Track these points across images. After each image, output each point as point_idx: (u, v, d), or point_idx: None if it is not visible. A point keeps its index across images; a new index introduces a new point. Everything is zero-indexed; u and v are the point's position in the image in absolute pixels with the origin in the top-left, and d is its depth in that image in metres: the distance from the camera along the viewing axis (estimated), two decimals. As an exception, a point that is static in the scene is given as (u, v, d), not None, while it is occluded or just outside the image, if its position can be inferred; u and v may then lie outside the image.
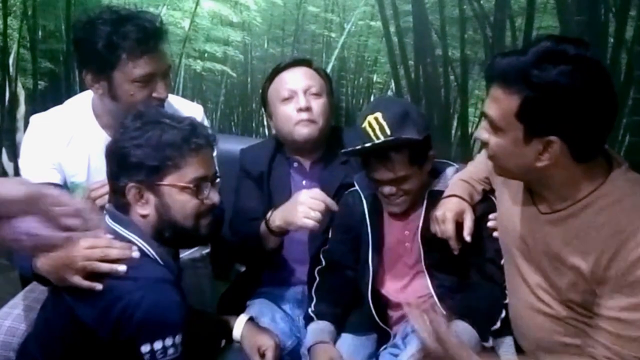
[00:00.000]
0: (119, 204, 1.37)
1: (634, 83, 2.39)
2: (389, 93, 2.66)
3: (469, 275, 1.76)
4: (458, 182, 1.74)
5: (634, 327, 1.19)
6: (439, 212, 1.68)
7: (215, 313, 1.95)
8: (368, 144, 1.66)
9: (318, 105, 1.90)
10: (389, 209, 1.80)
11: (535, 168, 1.25)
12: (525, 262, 1.45)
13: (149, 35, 1.63)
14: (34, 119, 1.87)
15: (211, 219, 1.42)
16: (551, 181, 1.31)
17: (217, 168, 1.49)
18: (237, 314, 1.80)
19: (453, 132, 2.62)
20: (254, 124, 2.87)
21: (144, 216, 1.36)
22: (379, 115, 1.66)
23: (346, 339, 1.81)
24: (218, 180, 1.47)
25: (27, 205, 0.89)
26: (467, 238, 1.61)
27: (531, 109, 1.17)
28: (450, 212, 1.63)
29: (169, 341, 1.25)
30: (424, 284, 1.80)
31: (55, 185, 1.72)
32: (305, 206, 1.66)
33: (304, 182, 2.01)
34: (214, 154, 1.47)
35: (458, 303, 1.71)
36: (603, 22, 2.35)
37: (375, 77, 2.68)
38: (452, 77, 2.58)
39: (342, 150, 1.79)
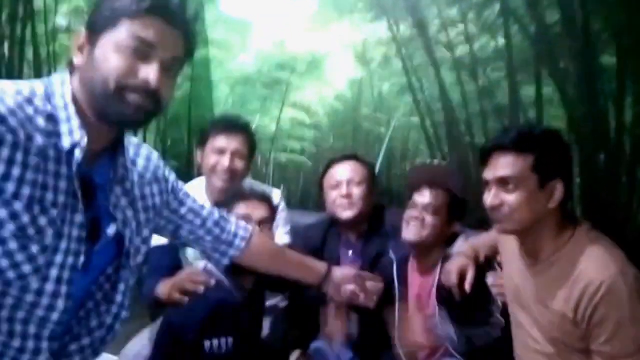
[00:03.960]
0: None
1: (638, 161, 2.68)
2: (429, 175, 3.20)
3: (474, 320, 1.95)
4: (466, 245, 2.08)
5: (614, 357, 1.42)
6: (447, 266, 1.94)
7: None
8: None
9: (358, 191, 2.24)
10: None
11: (547, 211, 1.51)
12: (521, 308, 1.65)
13: None
14: None
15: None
16: (544, 229, 1.53)
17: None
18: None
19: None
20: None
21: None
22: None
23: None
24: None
25: None
26: (467, 287, 1.83)
27: (543, 160, 1.50)
28: (455, 266, 1.88)
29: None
30: (442, 329, 2.03)
31: (170, 245, 2.11)
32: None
33: (349, 253, 2.27)
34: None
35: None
36: (604, 109, 2.72)
37: (418, 162, 3.25)
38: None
39: None
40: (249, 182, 2.37)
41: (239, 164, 2.25)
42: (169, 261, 2.17)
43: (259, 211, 1.91)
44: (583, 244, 1.51)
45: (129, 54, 1.03)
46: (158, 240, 2.26)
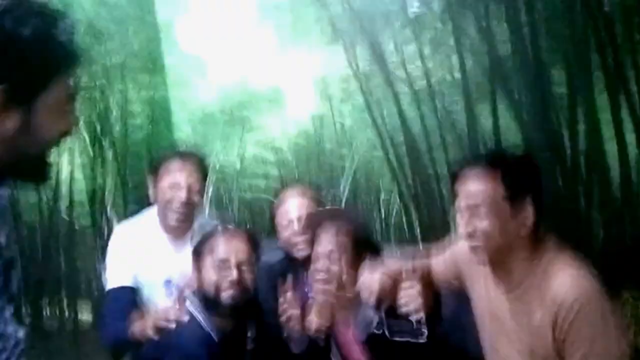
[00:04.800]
0: None
1: (595, 184, 2.80)
2: (395, 207, 3.24)
3: None
4: (395, 265, 2.09)
5: None
6: (367, 280, 2.05)
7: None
8: None
9: None
10: None
11: (519, 237, 1.70)
12: (500, 334, 1.84)
13: None
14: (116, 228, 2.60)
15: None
16: (517, 255, 1.70)
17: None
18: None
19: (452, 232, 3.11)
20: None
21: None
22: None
23: None
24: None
25: None
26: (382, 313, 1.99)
27: (514, 187, 1.67)
28: (375, 288, 1.99)
29: None
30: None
31: (128, 287, 2.36)
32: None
33: (305, 289, 2.55)
34: None
35: None
36: (558, 133, 2.84)
37: (382, 195, 3.29)
38: (443, 190, 3.13)
39: None
40: (201, 219, 2.36)
41: (196, 198, 2.25)
42: (127, 303, 2.13)
43: (239, 252, 1.87)
44: (555, 264, 1.55)
45: (63, 109, 1.03)
46: (114, 282, 2.23)
